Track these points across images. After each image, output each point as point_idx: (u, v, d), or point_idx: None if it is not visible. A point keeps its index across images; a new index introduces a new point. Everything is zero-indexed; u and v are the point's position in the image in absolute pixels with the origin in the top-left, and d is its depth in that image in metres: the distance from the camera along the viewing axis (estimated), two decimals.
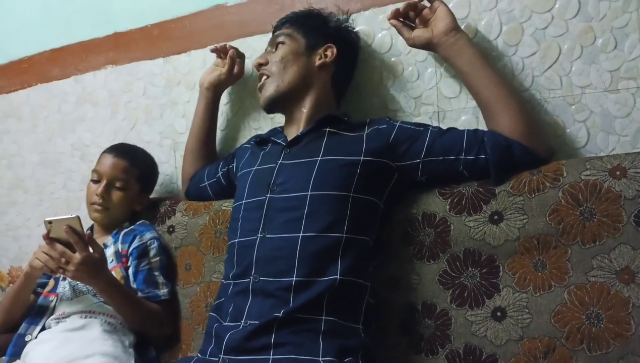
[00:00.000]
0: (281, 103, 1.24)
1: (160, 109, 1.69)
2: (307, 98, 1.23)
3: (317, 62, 1.23)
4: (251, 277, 1.07)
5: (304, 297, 1.02)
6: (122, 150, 1.48)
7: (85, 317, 1.32)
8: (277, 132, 1.29)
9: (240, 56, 1.47)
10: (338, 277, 1.03)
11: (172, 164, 1.67)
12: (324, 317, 1.01)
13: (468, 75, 1.14)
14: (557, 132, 1.16)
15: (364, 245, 1.09)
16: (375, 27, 1.34)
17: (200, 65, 1.60)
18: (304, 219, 1.07)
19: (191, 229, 1.44)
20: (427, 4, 1.20)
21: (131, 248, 1.40)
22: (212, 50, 1.47)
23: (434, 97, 1.29)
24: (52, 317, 1.34)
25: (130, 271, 1.38)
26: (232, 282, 1.12)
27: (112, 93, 1.78)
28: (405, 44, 1.24)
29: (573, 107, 1.15)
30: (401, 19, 1.22)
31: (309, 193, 1.09)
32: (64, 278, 1.40)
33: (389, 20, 1.23)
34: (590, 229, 1.00)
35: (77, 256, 1.20)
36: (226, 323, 1.07)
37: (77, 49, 1.84)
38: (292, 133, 1.23)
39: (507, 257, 1.06)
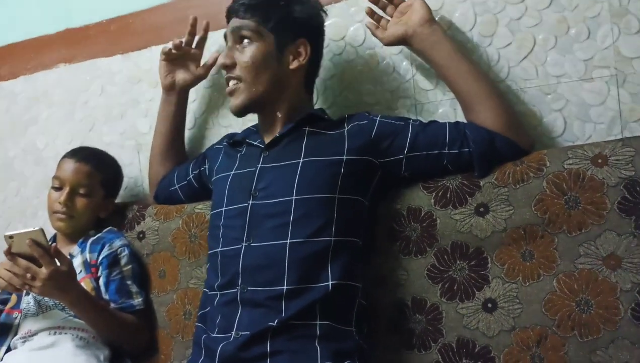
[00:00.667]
0: (253, 109, 1.18)
1: (120, 109, 1.61)
2: (281, 101, 1.16)
3: (292, 65, 1.15)
4: (238, 288, 1.03)
5: (297, 305, 0.99)
6: (84, 154, 1.40)
7: (55, 334, 1.24)
8: (252, 132, 1.24)
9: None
10: (330, 282, 1.00)
11: (136, 166, 1.59)
12: (318, 322, 0.99)
13: (445, 68, 1.13)
14: (534, 122, 1.18)
15: (354, 246, 1.07)
16: (347, 19, 1.32)
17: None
18: (290, 225, 1.03)
19: (163, 234, 1.38)
20: None
21: (100, 258, 1.32)
22: (174, 45, 1.37)
23: (411, 90, 1.28)
24: (17, 335, 1.26)
25: (101, 281, 1.31)
26: (218, 292, 1.07)
27: (67, 92, 1.68)
28: None
29: (549, 96, 1.17)
30: (378, 16, 1.20)
31: (294, 197, 1.05)
32: (28, 293, 1.31)
33: (366, 22, 1.20)
34: (576, 217, 1.01)
35: (44, 271, 1.12)
36: (215, 335, 1.03)
37: (26, 47, 1.73)
38: (268, 134, 1.18)
39: (494, 248, 1.07)
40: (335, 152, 1.09)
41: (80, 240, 1.38)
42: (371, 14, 1.21)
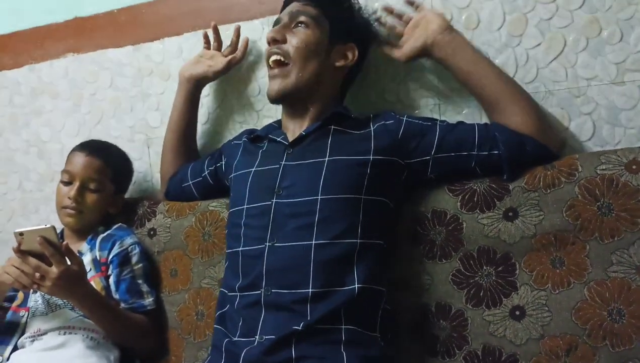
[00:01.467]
0: (292, 97, 1.14)
1: (130, 102, 1.56)
2: (317, 95, 1.14)
3: (338, 63, 1.14)
4: (262, 290, 1.00)
5: (322, 308, 0.96)
6: (94, 148, 1.35)
7: (65, 334, 1.20)
8: (274, 128, 1.21)
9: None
10: (357, 285, 0.97)
11: (145, 161, 1.55)
12: (343, 326, 0.96)
13: (470, 73, 1.11)
14: (563, 125, 1.15)
15: (379, 249, 1.04)
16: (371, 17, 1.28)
17: (175, 53, 1.49)
18: (315, 226, 1.00)
19: (175, 232, 1.34)
20: (412, 14, 1.18)
21: (111, 256, 1.28)
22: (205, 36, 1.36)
23: (435, 90, 1.25)
24: (25, 334, 1.22)
25: (112, 280, 1.27)
26: (238, 294, 1.04)
27: (74, 84, 1.63)
28: None
29: (578, 99, 1.14)
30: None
31: (319, 197, 1.02)
32: (36, 291, 1.27)
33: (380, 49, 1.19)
34: (609, 224, 0.99)
35: (54, 270, 1.08)
36: (237, 339, 0.99)
37: (31, 35, 1.67)
38: (293, 130, 1.15)
39: (523, 254, 1.04)
40: (362, 152, 1.06)
41: (89, 237, 1.34)
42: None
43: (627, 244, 0.97)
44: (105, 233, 1.33)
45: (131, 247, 1.31)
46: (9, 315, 1.27)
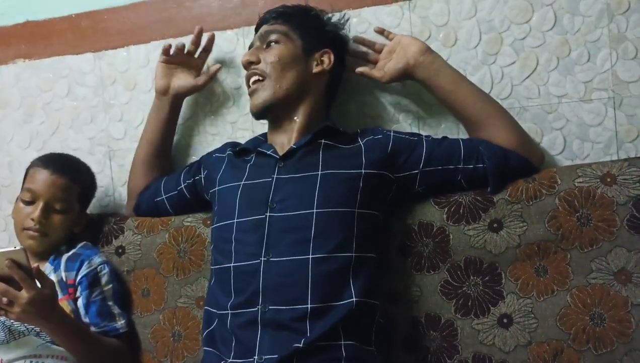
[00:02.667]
0: (274, 110, 1.13)
1: (90, 112, 1.48)
2: (301, 107, 1.14)
3: (315, 69, 1.14)
4: (259, 307, 0.97)
5: (322, 325, 0.95)
6: (59, 165, 1.26)
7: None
8: (260, 141, 1.18)
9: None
10: (354, 299, 0.97)
11: (107, 175, 1.47)
12: (342, 342, 0.95)
13: (452, 92, 1.14)
14: (536, 139, 1.21)
15: (373, 262, 1.04)
16: (350, 29, 1.29)
17: (142, 62, 1.43)
18: (312, 240, 0.99)
19: (147, 249, 1.28)
20: (387, 41, 1.22)
21: (79, 277, 1.20)
22: (177, 48, 1.30)
23: (414, 105, 1.27)
24: None
25: (81, 303, 1.19)
26: (230, 312, 1.00)
27: (26, 92, 1.52)
28: None
29: (550, 115, 1.20)
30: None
31: (315, 211, 1.01)
32: None
33: (356, 71, 1.20)
34: (588, 234, 1.05)
35: (24, 295, 1.00)
36: (231, 360, 0.96)
37: None
38: (281, 143, 1.14)
39: (508, 264, 1.08)
40: (353, 166, 1.07)
41: (52, 257, 1.24)
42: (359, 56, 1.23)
43: (605, 252, 1.04)
44: (70, 253, 1.25)
45: (100, 266, 1.23)
46: None
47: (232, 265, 1.03)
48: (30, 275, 1.02)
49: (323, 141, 1.11)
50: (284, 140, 1.14)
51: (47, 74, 1.50)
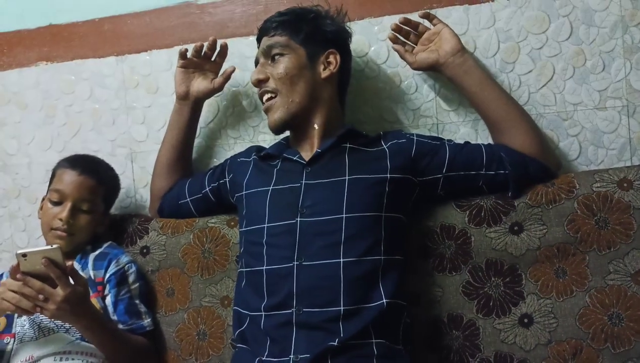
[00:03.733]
0: (292, 123, 1.16)
1: (112, 114, 1.50)
2: (317, 113, 1.16)
3: (323, 74, 1.16)
4: (293, 310, 1.00)
5: (354, 326, 0.98)
6: (87, 166, 1.28)
7: (61, 359, 1.13)
8: (284, 146, 1.21)
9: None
10: (384, 300, 1.00)
11: (128, 176, 1.49)
12: (374, 340, 0.98)
13: (477, 94, 1.18)
14: (552, 146, 1.25)
15: (399, 264, 1.08)
16: (371, 37, 1.33)
17: (164, 66, 1.46)
18: (342, 244, 1.02)
19: (172, 250, 1.30)
20: (430, 26, 1.23)
21: (108, 275, 1.23)
22: (195, 49, 1.31)
23: (433, 110, 1.31)
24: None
25: (109, 300, 1.21)
26: (264, 313, 1.03)
27: (47, 94, 1.54)
28: None
29: (566, 122, 1.25)
30: (402, 41, 1.24)
31: (344, 215, 1.04)
32: (20, 315, 1.18)
33: (393, 45, 1.23)
34: (605, 237, 1.09)
35: (60, 292, 1.03)
36: (266, 359, 0.98)
37: None
38: (305, 148, 1.17)
39: (528, 265, 1.12)
40: (379, 170, 1.10)
41: (79, 257, 1.26)
42: (394, 39, 1.24)
43: (622, 254, 1.08)
44: (97, 252, 1.27)
45: (127, 265, 1.26)
46: None
47: (264, 268, 1.05)
48: (65, 273, 1.04)
49: (348, 145, 1.14)
50: (307, 146, 1.17)
51: (69, 77, 1.52)
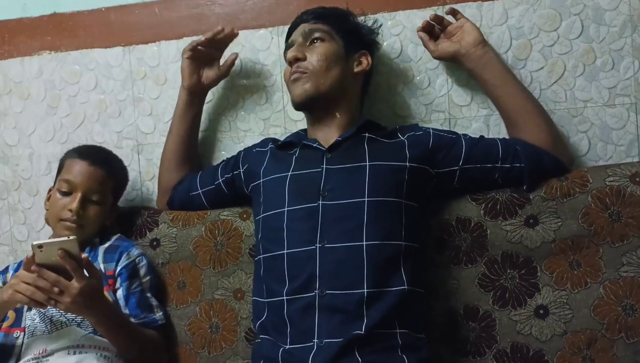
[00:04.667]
0: (316, 103, 1.16)
1: (118, 106, 1.48)
2: (342, 103, 1.18)
3: (356, 69, 1.19)
4: (316, 292, 1.00)
5: (377, 310, 0.98)
6: (96, 157, 1.26)
7: (75, 353, 1.11)
8: (302, 136, 1.21)
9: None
10: (406, 287, 1.01)
11: (134, 169, 1.47)
12: (397, 330, 0.99)
13: (496, 87, 1.20)
14: None
15: (418, 252, 1.09)
16: (384, 31, 1.33)
17: (173, 57, 1.44)
18: (364, 227, 1.03)
19: (183, 242, 1.29)
20: (453, 20, 1.24)
21: (119, 268, 1.21)
22: (205, 40, 1.29)
23: (445, 105, 1.32)
24: (26, 357, 1.10)
25: (121, 294, 1.19)
26: (285, 298, 1.02)
27: (50, 84, 1.51)
28: (417, 52, 1.31)
29: (576, 118, 1.27)
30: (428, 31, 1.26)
31: (366, 199, 1.05)
32: (30, 309, 1.15)
33: (418, 32, 1.25)
34: (619, 230, 1.11)
35: (75, 285, 1.01)
36: (290, 347, 0.98)
37: None
38: (323, 137, 1.17)
39: (543, 258, 1.14)
40: (398, 158, 1.11)
41: (87, 249, 1.24)
42: (423, 30, 1.25)
43: (635, 247, 1.10)
44: (106, 244, 1.25)
45: (138, 258, 1.24)
46: (0, 337, 1.14)
47: (285, 252, 1.05)
48: (81, 265, 1.02)
49: (367, 135, 1.15)
50: (327, 135, 1.17)
51: (73, 67, 1.49)
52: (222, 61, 1.34)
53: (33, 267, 1.00)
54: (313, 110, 1.19)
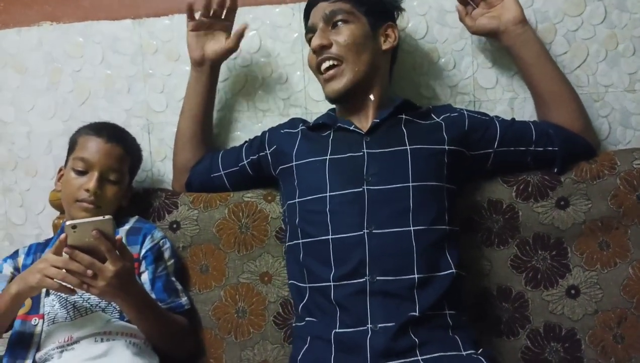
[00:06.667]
0: (352, 93, 1.12)
1: (126, 82, 1.40)
2: (375, 85, 1.14)
3: (384, 46, 1.15)
4: (367, 278, 0.98)
5: (429, 294, 0.98)
6: (112, 134, 1.19)
7: (103, 340, 1.05)
8: (333, 117, 1.18)
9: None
10: (454, 270, 1.01)
11: (145, 148, 1.38)
12: (447, 312, 0.99)
13: (532, 66, 1.19)
14: None
15: (458, 235, 1.08)
16: (410, 11, 1.31)
17: (186, 33, 1.37)
18: (411, 212, 1.02)
19: (205, 225, 1.24)
20: None
21: (144, 251, 1.15)
22: (204, 8, 1.23)
23: (470, 87, 1.32)
24: (49, 345, 1.04)
25: (146, 277, 1.14)
26: (332, 283, 1.00)
27: (51, 57, 1.42)
28: (443, 33, 1.30)
29: (597, 103, 1.30)
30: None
31: (410, 184, 1.03)
32: (48, 294, 1.09)
33: (457, 5, 1.23)
34: None
35: (110, 268, 0.95)
36: (341, 330, 0.96)
37: None
38: (359, 119, 1.14)
39: (574, 239, 1.16)
40: (437, 141, 1.10)
41: None
42: (464, 2, 1.23)
43: None
44: (126, 226, 1.19)
45: (162, 241, 1.19)
46: (16, 324, 1.07)
47: (330, 237, 1.02)
48: (115, 247, 0.96)
49: (404, 116, 1.13)
50: (361, 117, 1.14)
51: (77, 38, 1.41)
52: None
53: (66, 249, 0.93)
54: (348, 100, 1.15)
